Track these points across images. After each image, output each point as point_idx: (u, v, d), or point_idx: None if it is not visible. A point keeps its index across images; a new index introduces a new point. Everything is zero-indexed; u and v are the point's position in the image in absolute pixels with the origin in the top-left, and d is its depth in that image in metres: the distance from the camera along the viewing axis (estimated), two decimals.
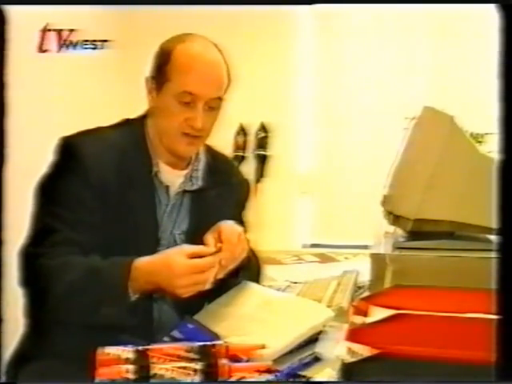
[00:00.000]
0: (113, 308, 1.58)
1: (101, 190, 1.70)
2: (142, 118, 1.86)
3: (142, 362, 1.35)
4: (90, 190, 1.69)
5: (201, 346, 1.38)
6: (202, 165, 1.89)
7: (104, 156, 1.74)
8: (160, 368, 1.34)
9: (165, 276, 1.58)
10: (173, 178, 1.83)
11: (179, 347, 1.38)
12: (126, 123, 1.87)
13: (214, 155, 1.94)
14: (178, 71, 1.73)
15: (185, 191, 1.86)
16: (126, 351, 1.36)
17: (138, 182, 1.77)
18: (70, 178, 1.71)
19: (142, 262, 1.60)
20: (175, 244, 1.82)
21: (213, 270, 1.61)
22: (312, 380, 1.45)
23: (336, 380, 1.41)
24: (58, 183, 1.73)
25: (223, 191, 1.91)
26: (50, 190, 1.73)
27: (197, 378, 1.34)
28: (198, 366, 1.35)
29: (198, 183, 1.87)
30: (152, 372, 1.34)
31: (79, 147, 1.73)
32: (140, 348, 1.36)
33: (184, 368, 1.35)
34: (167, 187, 1.83)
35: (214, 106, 1.77)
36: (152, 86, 1.79)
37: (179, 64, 1.73)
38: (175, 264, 1.57)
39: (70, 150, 1.74)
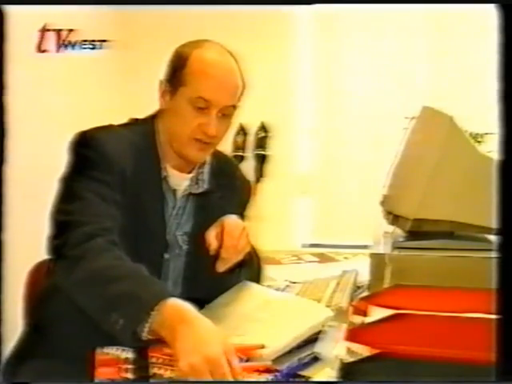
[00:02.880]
0: (123, 322, 1.37)
1: (121, 184, 1.68)
2: (152, 119, 1.85)
3: (142, 362, 1.35)
4: (114, 178, 1.67)
5: None
6: (207, 167, 1.89)
7: (124, 152, 1.73)
8: (159, 368, 1.34)
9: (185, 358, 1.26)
10: (180, 181, 1.83)
11: None
12: (136, 123, 1.86)
13: (217, 157, 1.94)
14: (194, 76, 1.73)
15: (190, 194, 1.86)
16: (126, 351, 1.36)
17: (150, 184, 1.77)
18: (96, 170, 1.67)
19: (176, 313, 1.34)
20: (177, 245, 1.83)
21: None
22: (311, 380, 1.45)
23: (336, 380, 1.41)
24: (83, 175, 1.67)
25: (226, 193, 1.91)
26: (75, 182, 1.68)
27: None
28: None
29: (204, 186, 1.87)
30: (151, 372, 1.34)
31: (101, 141, 1.71)
32: (139, 348, 1.36)
33: None
34: (174, 191, 1.83)
35: (227, 113, 1.76)
36: (166, 89, 1.78)
37: (195, 69, 1.73)
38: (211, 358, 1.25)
39: (92, 143, 1.71)
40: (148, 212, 1.76)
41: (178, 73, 1.75)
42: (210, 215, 1.82)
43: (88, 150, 1.70)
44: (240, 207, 1.98)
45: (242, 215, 1.97)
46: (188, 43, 1.80)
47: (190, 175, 1.85)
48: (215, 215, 1.80)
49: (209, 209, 1.86)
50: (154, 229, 1.78)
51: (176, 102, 1.75)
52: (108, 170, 1.67)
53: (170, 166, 1.81)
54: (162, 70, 1.80)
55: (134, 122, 1.86)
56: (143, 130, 1.82)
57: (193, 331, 1.30)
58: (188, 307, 1.36)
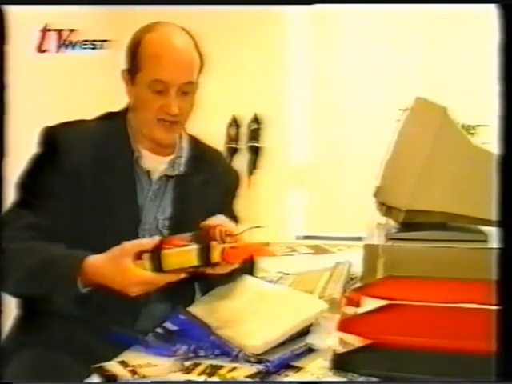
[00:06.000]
0: (62, 297, 1.59)
1: (74, 177, 1.75)
2: (125, 111, 1.90)
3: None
4: (61, 176, 1.74)
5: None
6: (185, 152, 1.92)
7: (80, 144, 1.78)
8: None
9: (118, 283, 1.57)
10: (155, 163, 1.86)
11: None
12: (109, 116, 1.92)
13: (198, 145, 1.98)
14: (147, 61, 1.77)
15: (168, 177, 1.88)
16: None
17: (118, 168, 1.81)
18: (44, 165, 1.77)
19: (94, 261, 1.58)
20: (157, 228, 1.84)
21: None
22: (305, 379, 1.46)
23: (330, 381, 1.42)
24: (33, 170, 1.78)
25: (209, 179, 1.93)
26: (25, 178, 1.78)
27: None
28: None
29: (179, 169, 1.89)
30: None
31: (55, 135, 1.80)
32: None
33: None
34: (148, 172, 1.85)
35: (187, 90, 1.80)
36: (127, 77, 1.83)
37: (147, 53, 1.78)
38: (127, 274, 1.55)
39: (47, 137, 1.80)
40: (117, 193, 1.79)
41: (133, 60, 1.80)
42: (190, 200, 1.86)
43: (42, 144, 1.80)
44: (226, 195, 2.00)
45: (230, 204, 2.01)
46: (140, 28, 1.85)
47: (168, 158, 1.89)
48: (196, 200, 1.86)
49: (189, 193, 1.89)
50: (123, 209, 1.80)
51: (136, 88, 1.81)
52: (57, 163, 1.75)
53: (144, 148, 1.85)
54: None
55: (108, 115, 1.92)
56: (115, 120, 1.89)
57: (111, 276, 1.56)
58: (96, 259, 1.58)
